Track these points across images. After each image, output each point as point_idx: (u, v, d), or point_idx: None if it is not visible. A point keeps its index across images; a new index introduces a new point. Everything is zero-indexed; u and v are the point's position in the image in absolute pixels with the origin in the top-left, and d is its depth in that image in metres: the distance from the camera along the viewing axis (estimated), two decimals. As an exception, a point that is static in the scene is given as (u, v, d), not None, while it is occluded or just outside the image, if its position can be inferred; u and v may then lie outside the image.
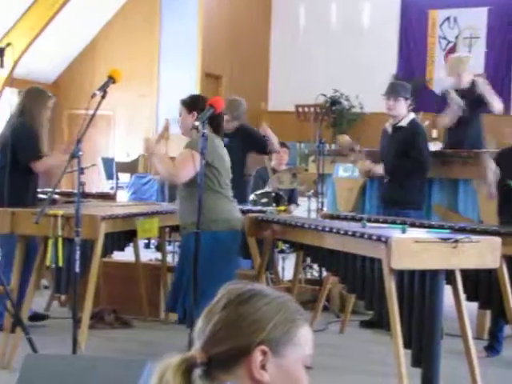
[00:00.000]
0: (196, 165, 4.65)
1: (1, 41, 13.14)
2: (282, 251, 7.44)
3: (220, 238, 4.95)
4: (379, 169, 6.36)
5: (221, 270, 4.94)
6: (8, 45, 4.62)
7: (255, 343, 1.53)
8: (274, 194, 7.75)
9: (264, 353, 1.53)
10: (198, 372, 1.56)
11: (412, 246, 4.17)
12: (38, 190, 6.22)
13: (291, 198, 8.20)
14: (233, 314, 1.55)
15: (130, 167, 13.27)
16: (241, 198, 6.11)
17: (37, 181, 6.03)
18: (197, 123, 4.44)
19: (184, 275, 5.06)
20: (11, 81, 5.07)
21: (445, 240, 4.21)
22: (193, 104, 5.07)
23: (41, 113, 5.90)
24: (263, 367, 1.53)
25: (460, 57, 7.77)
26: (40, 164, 5.78)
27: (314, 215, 7.84)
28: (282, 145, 8.22)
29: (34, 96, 5.94)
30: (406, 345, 4.22)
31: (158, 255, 9.25)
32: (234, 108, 6.87)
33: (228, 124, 6.57)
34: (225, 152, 5.13)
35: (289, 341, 1.56)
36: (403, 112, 6.32)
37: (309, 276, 7.96)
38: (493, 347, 5.60)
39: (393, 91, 6.37)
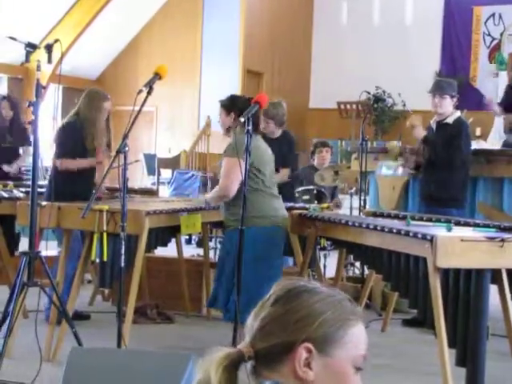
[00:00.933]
0: (238, 172, 4.67)
1: (46, 37, 13.32)
2: (323, 248, 7.41)
3: (262, 233, 4.97)
4: (421, 132, 6.30)
5: (262, 266, 4.97)
6: (56, 41, 4.65)
7: (300, 340, 1.50)
8: (315, 191, 7.73)
9: (309, 350, 1.50)
10: (247, 366, 1.55)
11: (458, 245, 4.13)
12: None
13: (333, 195, 8.17)
14: (281, 309, 1.54)
15: (172, 163, 13.35)
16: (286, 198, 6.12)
17: (88, 176, 6.05)
18: (242, 119, 4.44)
19: (224, 271, 5.11)
20: (58, 77, 5.11)
21: (491, 239, 4.16)
22: (231, 104, 5.11)
23: (93, 114, 5.98)
24: (308, 365, 1.50)
25: None
26: (61, 162, 5.84)
27: (356, 213, 7.80)
28: (324, 144, 8.20)
29: (90, 98, 6.06)
30: (451, 344, 4.18)
31: (199, 251, 9.29)
32: (277, 112, 6.77)
33: (272, 128, 6.56)
34: (265, 150, 5.15)
35: (337, 340, 1.52)
36: (449, 109, 6.27)
37: (350, 274, 7.93)
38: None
39: (439, 89, 6.31)
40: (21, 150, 8.55)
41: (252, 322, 1.57)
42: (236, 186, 4.91)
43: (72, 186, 5.75)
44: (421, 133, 6.37)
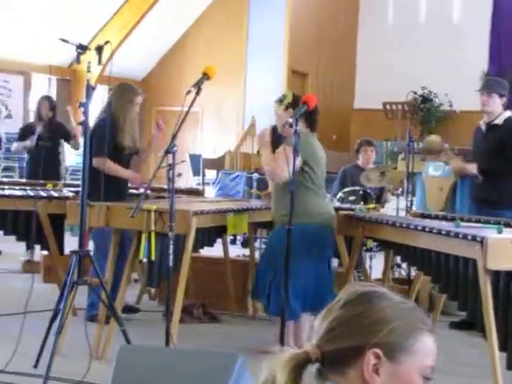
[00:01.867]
0: (296, 161, 4.73)
1: (94, 39, 13.48)
2: (369, 250, 7.37)
3: (309, 230, 5.00)
4: (473, 168, 6.23)
5: (307, 262, 5.00)
6: (106, 42, 4.70)
7: (370, 345, 1.48)
8: (361, 192, 7.69)
9: (377, 356, 1.48)
10: (313, 368, 1.54)
11: (509, 247, 4.09)
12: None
13: (379, 196, 8.12)
14: (351, 313, 1.52)
15: (217, 164, 13.39)
16: None
17: (122, 178, 6.07)
18: (290, 120, 4.45)
19: (269, 264, 5.17)
20: (108, 79, 5.15)
21: (543, 241, 4.10)
22: (293, 103, 5.14)
23: (126, 108, 5.95)
24: (376, 371, 1.48)
25: None
26: (99, 161, 5.69)
27: (402, 214, 7.74)
28: (369, 143, 8.14)
29: (121, 92, 6.04)
30: (502, 347, 4.13)
31: (244, 251, 9.32)
32: None
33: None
34: (319, 149, 5.17)
35: (406, 348, 1.50)
36: (497, 109, 6.16)
37: (396, 275, 7.88)
38: None
39: (487, 86, 6.23)
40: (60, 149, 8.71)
41: (319, 324, 1.55)
42: (286, 173, 4.83)
43: (106, 185, 5.69)
44: (473, 169, 6.23)
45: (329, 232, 5.23)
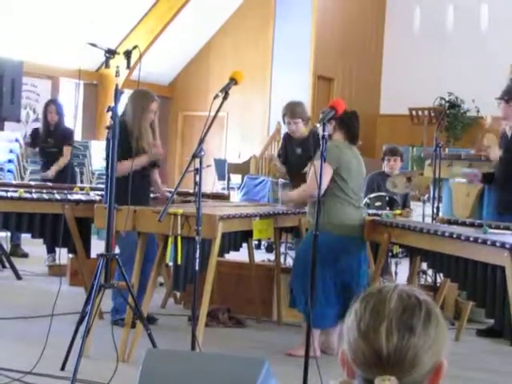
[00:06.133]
0: (327, 177, 4.87)
1: (121, 44, 13.56)
2: (394, 256, 7.35)
3: (332, 240, 4.99)
4: (497, 154, 6.19)
5: (329, 272, 5.01)
6: (135, 47, 4.72)
7: (441, 358, 1.47)
8: (387, 198, 7.67)
9: (444, 365, 1.47)
10: None
11: (537, 254, 4.05)
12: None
13: (405, 202, 8.09)
14: (425, 337, 1.44)
15: (242, 168, 13.39)
16: None
17: (142, 181, 5.98)
18: (318, 125, 4.45)
19: (295, 272, 5.28)
20: (137, 83, 5.14)
21: None
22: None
23: (140, 115, 5.88)
24: None
25: None
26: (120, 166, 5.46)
27: (428, 220, 7.70)
28: (393, 153, 8.08)
29: (136, 98, 5.98)
30: (530, 355, 4.10)
31: (269, 256, 9.32)
32: (302, 109, 6.70)
33: (301, 127, 6.49)
34: (355, 161, 5.21)
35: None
36: None
37: (422, 282, 7.83)
38: None
39: (504, 94, 6.22)
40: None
41: (392, 354, 1.43)
42: (324, 187, 4.95)
43: (126, 190, 5.61)
44: (496, 153, 6.24)
45: (355, 242, 5.22)
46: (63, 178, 7.99)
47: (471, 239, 4.43)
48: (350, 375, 1.49)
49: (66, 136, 8.49)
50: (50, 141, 8.51)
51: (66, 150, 8.52)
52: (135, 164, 5.62)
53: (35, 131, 8.82)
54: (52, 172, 8.42)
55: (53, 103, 8.74)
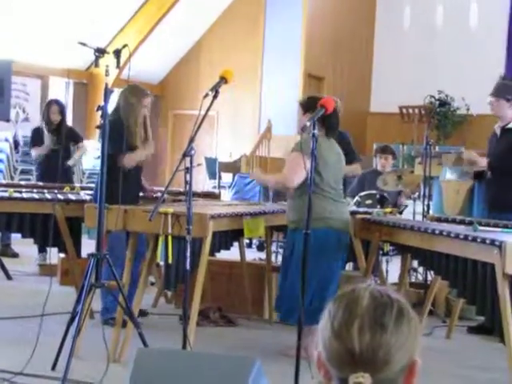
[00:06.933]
0: (302, 168, 4.71)
1: (111, 43, 13.53)
2: (385, 254, 7.36)
3: (315, 235, 4.92)
4: (483, 161, 6.20)
5: (313, 267, 4.94)
6: (124, 46, 4.71)
7: (414, 356, 1.47)
8: (378, 196, 7.68)
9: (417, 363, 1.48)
10: None
11: (527, 251, 4.06)
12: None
13: (396, 200, 8.10)
14: (402, 334, 1.45)
15: (233, 167, 13.39)
16: None
17: (135, 179, 6.01)
18: (308, 123, 4.44)
19: (282, 271, 5.25)
20: (127, 82, 5.14)
21: (562, 245, 4.08)
22: (307, 105, 5.13)
23: (134, 110, 5.88)
24: None
25: None
26: (125, 158, 5.70)
27: (418, 218, 7.72)
28: (384, 151, 8.11)
29: (129, 93, 5.97)
30: (520, 352, 4.11)
31: (260, 255, 9.32)
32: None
33: None
34: (332, 154, 5.16)
35: None
36: (506, 113, 6.14)
37: (413, 279, 7.85)
38: None
39: (494, 91, 6.24)
40: (72, 149, 8.76)
41: (367, 351, 1.44)
42: (301, 178, 4.96)
43: (119, 188, 5.62)
44: (484, 162, 6.24)
45: (336, 237, 5.15)
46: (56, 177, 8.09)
47: (461, 237, 4.44)
48: (326, 377, 1.49)
49: (74, 136, 8.74)
50: (53, 139, 8.50)
51: (81, 145, 8.78)
52: (138, 156, 5.81)
53: (36, 131, 8.76)
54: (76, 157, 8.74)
55: (56, 103, 8.67)
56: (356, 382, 1.40)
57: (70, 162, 8.66)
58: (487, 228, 5.01)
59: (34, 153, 8.76)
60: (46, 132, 8.49)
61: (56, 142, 8.47)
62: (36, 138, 8.64)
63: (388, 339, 1.43)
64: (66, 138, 8.54)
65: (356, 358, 1.42)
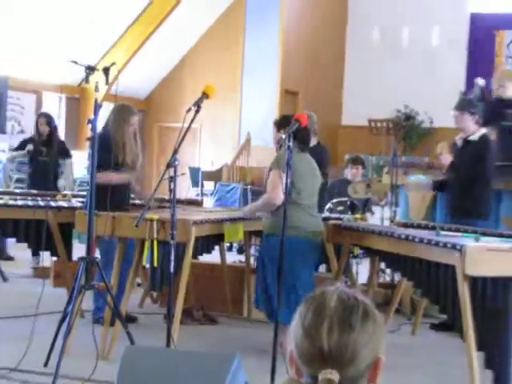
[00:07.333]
0: (282, 183, 4.79)
1: (101, 60, 13.49)
2: (355, 257, 7.37)
3: (289, 242, 4.90)
4: (448, 159, 6.27)
5: (287, 271, 4.91)
6: (112, 64, 4.71)
7: (379, 353, 1.49)
8: (349, 203, 7.70)
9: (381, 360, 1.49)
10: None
11: (485, 254, 4.09)
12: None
13: (366, 206, 8.13)
14: (367, 333, 1.46)
15: (215, 176, 13.38)
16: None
17: (124, 188, 5.97)
18: (283, 136, 4.45)
19: (258, 274, 5.30)
20: (115, 97, 5.15)
21: (517, 249, 4.11)
22: (280, 123, 5.18)
23: (122, 127, 5.85)
24: None
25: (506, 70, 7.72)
26: (101, 175, 5.47)
27: (386, 223, 7.74)
28: (354, 162, 8.14)
29: (118, 111, 5.95)
30: (479, 347, 4.13)
31: (240, 257, 9.30)
32: (313, 123, 6.78)
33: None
34: (305, 166, 5.17)
35: None
36: (469, 125, 6.18)
37: (381, 280, 7.87)
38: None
39: (458, 105, 6.31)
40: (61, 162, 8.68)
41: (333, 348, 1.44)
42: (282, 196, 4.91)
43: (110, 196, 5.60)
44: (448, 159, 6.32)
45: (308, 245, 5.12)
46: (47, 184, 8.14)
47: (425, 241, 4.45)
48: (297, 374, 1.50)
49: (64, 150, 8.65)
50: (42, 149, 8.47)
51: (69, 162, 8.64)
52: (117, 179, 5.75)
53: (30, 138, 8.80)
54: (61, 184, 8.54)
55: (43, 116, 8.75)
56: (325, 377, 1.40)
57: (59, 184, 8.56)
58: (449, 233, 5.03)
59: (15, 153, 8.85)
60: (30, 143, 8.53)
61: (46, 153, 8.43)
62: (24, 142, 8.68)
63: (355, 338, 1.43)
64: (55, 150, 8.48)
65: (325, 356, 1.43)
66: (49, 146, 8.45)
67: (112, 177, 5.76)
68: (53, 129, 8.54)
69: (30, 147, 8.48)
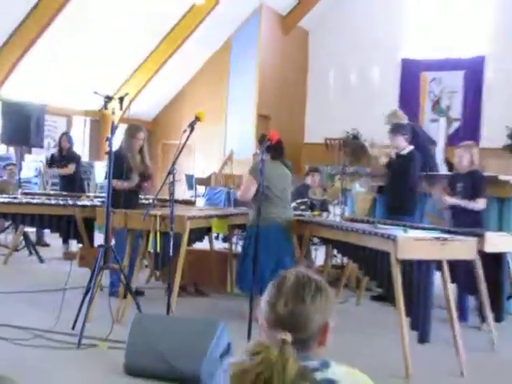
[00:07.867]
0: (254, 185, 4.92)
1: (119, 90, 13.41)
2: (314, 244, 7.39)
3: (265, 230, 4.95)
4: (383, 159, 6.30)
5: (264, 253, 4.94)
6: (126, 94, 4.70)
7: (327, 319, 1.49)
8: (309, 203, 7.72)
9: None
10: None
11: (413, 243, 4.12)
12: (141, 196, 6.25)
13: (322, 206, 8.15)
14: (316, 305, 1.46)
15: (206, 181, 13.34)
16: None
17: (134, 192, 5.89)
18: (258, 151, 4.48)
19: (241, 256, 5.35)
20: (127, 120, 5.13)
21: (436, 238, 4.14)
22: (260, 140, 5.20)
23: (130, 142, 5.78)
24: None
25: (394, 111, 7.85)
26: (115, 182, 5.43)
27: (338, 219, 7.78)
28: (314, 170, 8.17)
29: (128, 129, 5.91)
30: (407, 313, 4.15)
31: (225, 245, 9.28)
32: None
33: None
34: (277, 173, 5.21)
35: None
36: (401, 144, 6.23)
37: (333, 263, 7.88)
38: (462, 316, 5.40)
39: (392, 129, 6.35)
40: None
41: (288, 314, 1.44)
42: (252, 193, 5.07)
43: (123, 198, 5.57)
44: (383, 160, 6.36)
45: (275, 231, 5.13)
46: (73, 188, 8.16)
47: (366, 232, 4.48)
48: (264, 338, 1.50)
49: (74, 157, 8.55)
50: (63, 163, 8.45)
51: (71, 165, 8.49)
52: (127, 185, 5.72)
53: (51, 157, 8.79)
54: (60, 171, 8.46)
55: (65, 135, 8.76)
56: (281, 338, 1.41)
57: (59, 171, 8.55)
58: (385, 226, 5.06)
59: (50, 170, 8.86)
60: (56, 156, 8.50)
61: (64, 165, 8.43)
62: (50, 162, 8.66)
63: (306, 309, 1.44)
64: (71, 161, 8.46)
65: (282, 322, 1.44)
66: (67, 159, 8.47)
67: (124, 185, 5.74)
68: (71, 145, 8.56)
69: (55, 171, 8.54)
